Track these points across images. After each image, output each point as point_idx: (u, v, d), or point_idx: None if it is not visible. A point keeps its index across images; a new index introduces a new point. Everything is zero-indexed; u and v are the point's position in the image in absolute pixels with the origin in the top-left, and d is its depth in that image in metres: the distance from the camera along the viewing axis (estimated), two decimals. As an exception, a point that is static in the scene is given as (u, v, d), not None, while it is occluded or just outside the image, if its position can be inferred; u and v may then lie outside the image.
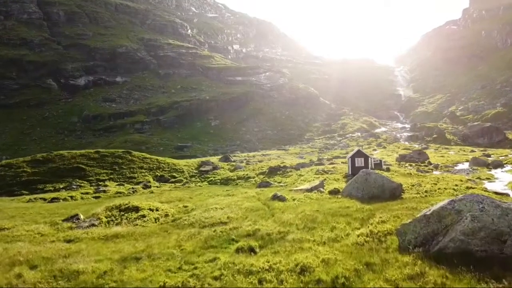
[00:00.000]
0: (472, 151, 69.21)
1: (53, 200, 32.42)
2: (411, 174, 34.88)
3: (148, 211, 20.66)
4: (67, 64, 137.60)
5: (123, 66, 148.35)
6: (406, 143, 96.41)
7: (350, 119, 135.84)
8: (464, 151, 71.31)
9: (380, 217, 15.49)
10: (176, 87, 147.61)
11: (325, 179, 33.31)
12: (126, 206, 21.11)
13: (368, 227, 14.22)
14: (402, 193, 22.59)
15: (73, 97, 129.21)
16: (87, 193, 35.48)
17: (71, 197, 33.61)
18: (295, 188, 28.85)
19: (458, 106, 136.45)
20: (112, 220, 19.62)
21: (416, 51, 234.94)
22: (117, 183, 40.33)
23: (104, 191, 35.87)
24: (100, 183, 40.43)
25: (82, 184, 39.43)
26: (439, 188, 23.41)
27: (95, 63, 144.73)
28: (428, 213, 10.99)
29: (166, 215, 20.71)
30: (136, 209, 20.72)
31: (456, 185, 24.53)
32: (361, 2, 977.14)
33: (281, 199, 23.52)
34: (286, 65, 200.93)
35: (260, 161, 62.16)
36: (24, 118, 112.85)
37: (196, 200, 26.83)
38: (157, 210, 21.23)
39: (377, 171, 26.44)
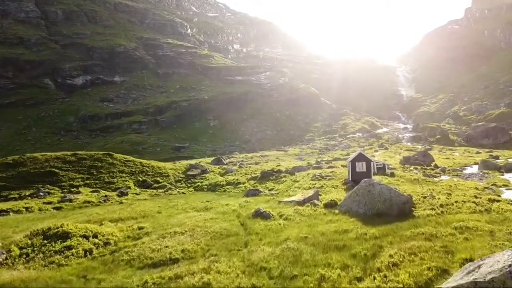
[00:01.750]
0: (478, 152, 67.03)
1: (1, 212, 26.96)
2: (418, 180, 31.69)
3: (81, 239, 16.10)
4: (65, 63, 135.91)
5: (121, 66, 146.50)
6: (409, 144, 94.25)
7: (351, 119, 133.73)
8: (469, 152, 69.18)
9: (390, 255, 11.64)
10: (175, 87, 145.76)
11: (322, 186, 30.40)
12: (55, 231, 16.63)
13: (375, 278, 10.21)
14: (413, 208, 19.11)
15: (70, 96, 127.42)
16: (49, 203, 30.58)
17: (27, 208, 28.35)
18: (285, 199, 24.97)
19: (461, 106, 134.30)
20: (26, 254, 14.92)
21: (418, 51, 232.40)
22: (92, 190, 36.69)
23: (71, 200, 31.12)
24: (73, 189, 36.53)
25: (52, 191, 35.71)
26: (456, 201, 19.84)
27: (93, 63, 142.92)
28: (481, 279, 6.97)
29: (106, 244, 16.16)
30: (66, 236, 16.21)
31: (476, 197, 21.20)
32: (362, 2, 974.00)
33: (264, 216, 19.74)
34: (287, 65, 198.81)
35: (256, 163, 59.81)
36: (20, 118, 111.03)
37: (164, 216, 22.62)
38: (95, 236, 16.72)
39: (381, 180, 23.66)
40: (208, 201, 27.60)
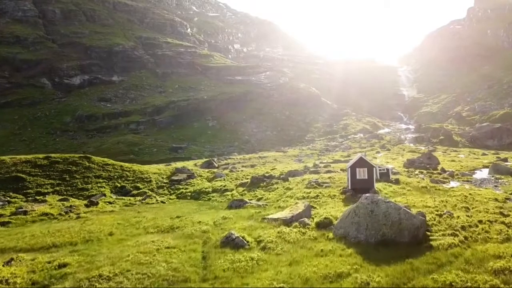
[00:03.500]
0: (484, 154, 64.91)
1: None
2: (426, 187, 28.57)
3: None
4: (62, 63, 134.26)
5: (119, 65, 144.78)
6: (411, 145, 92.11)
7: (353, 120, 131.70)
8: (474, 154, 67.06)
9: None
10: (174, 87, 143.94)
11: (317, 196, 27.47)
12: None
13: None
14: (428, 233, 15.43)
15: (67, 96, 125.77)
16: (0, 216, 25.64)
17: None
18: (270, 216, 21.03)
19: (464, 106, 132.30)
20: None
21: (420, 51, 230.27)
22: (60, 198, 32.83)
23: (25, 213, 26.09)
24: (39, 197, 32.55)
25: (14, 200, 31.56)
26: (480, 221, 16.27)
27: (91, 62, 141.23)
28: None
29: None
30: None
31: (501, 213, 17.65)
32: (364, 2, 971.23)
33: (236, 244, 15.76)
34: (287, 65, 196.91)
35: (252, 166, 57.40)
36: (16, 118, 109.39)
37: (113, 240, 18.06)
38: None
39: (384, 187, 21.16)
40: (178, 217, 23.24)
